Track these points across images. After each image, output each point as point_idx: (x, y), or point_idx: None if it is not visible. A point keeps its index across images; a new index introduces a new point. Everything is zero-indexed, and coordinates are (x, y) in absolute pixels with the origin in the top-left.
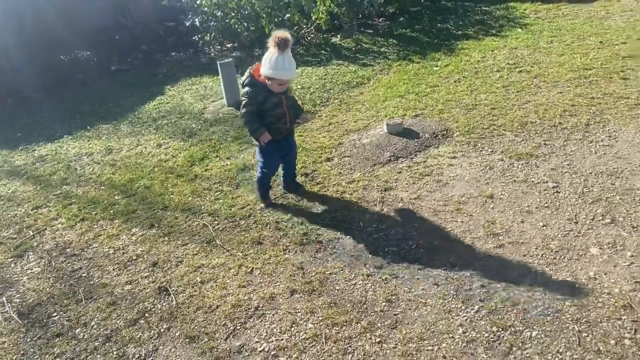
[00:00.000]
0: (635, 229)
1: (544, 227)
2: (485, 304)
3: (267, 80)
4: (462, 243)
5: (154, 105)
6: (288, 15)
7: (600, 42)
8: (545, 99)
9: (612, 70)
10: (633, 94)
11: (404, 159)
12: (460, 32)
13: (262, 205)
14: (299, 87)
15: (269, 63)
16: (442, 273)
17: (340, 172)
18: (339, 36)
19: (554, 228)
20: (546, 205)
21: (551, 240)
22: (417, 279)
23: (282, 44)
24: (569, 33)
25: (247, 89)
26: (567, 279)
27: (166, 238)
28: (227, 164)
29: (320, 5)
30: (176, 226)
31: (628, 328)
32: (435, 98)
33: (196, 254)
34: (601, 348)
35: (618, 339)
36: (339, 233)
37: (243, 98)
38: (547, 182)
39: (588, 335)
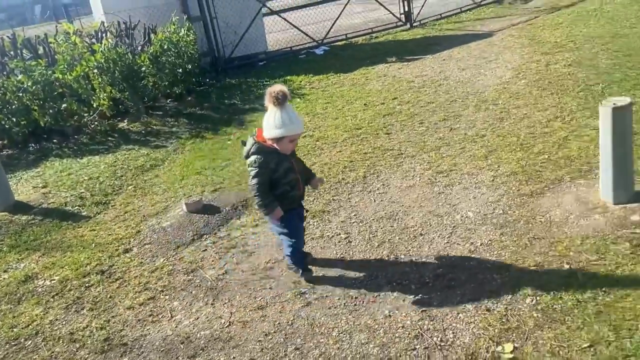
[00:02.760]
0: (414, 263)
1: (342, 277)
2: None
3: (274, 144)
4: (274, 308)
5: None
6: (65, 105)
7: (365, 104)
8: (328, 159)
9: (377, 127)
10: (396, 145)
11: (207, 236)
12: (247, 106)
13: (304, 278)
14: (87, 178)
15: (275, 122)
16: (258, 346)
17: (141, 262)
18: (125, 121)
19: (350, 276)
20: (342, 256)
21: (349, 290)
22: (233, 358)
23: (281, 99)
24: (339, 99)
25: (255, 157)
26: (368, 322)
27: None
28: (3, 278)
29: (101, 92)
30: None
31: (422, 356)
32: (232, 171)
33: None
34: None
35: None
36: (145, 329)
37: (252, 168)
38: (340, 234)
39: None
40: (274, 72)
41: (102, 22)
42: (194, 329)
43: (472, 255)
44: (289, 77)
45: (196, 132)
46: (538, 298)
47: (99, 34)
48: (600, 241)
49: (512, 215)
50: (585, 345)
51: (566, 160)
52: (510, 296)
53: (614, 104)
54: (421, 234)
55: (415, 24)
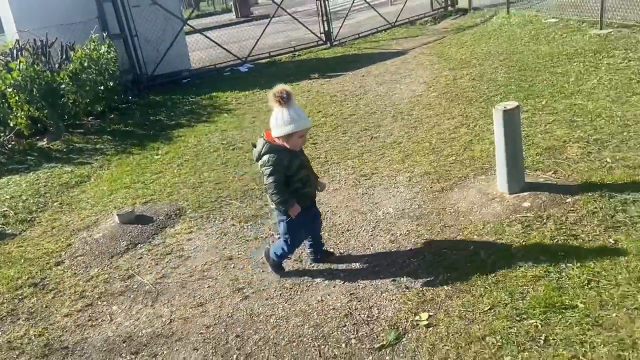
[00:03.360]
0: (342, 255)
1: (283, 277)
2: (242, 351)
3: (285, 142)
4: (213, 304)
5: None
6: None
7: None
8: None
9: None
10: (322, 154)
11: (142, 244)
12: (173, 122)
13: (278, 276)
14: (8, 197)
15: (283, 120)
16: (200, 337)
17: (75, 273)
18: (45, 139)
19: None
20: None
21: (285, 280)
22: (176, 350)
23: (286, 98)
24: (266, 113)
25: (268, 156)
26: (302, 307)
27: None
28: None
29: (18, 111)
30: None
31: (352, 331)
32: (162, 183)
33: None
34: (336, 352)
35: (346, 341)
36: (85, 333)
37: (266, 167)
38: (273, 235)
39: (325, 346)
40: (199, 89)
41: (17, 40)
42: (135, 328)
43: (393, 244)
44: (215, 94)
45: (122, 148)
46: (448, 274)
47: (14, 52)
48: (498, 225)
49: (426, 208)
50: (487, 308)
51: (471, 160)
52: (425, 275)
53: (505, 107)
54: (348, 230)
55: (335, 43)
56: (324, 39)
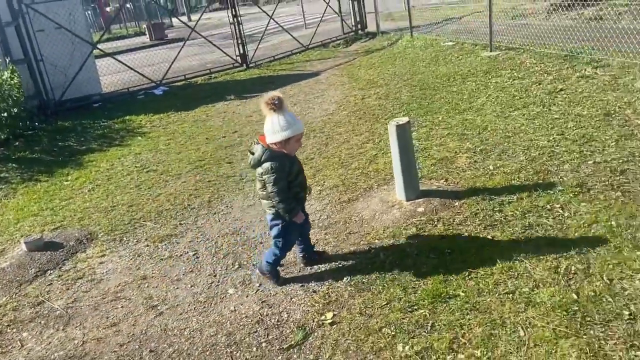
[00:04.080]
0: (255, 266)
1: (192, 287)
2: None
3: (282, 148)
4: (127, 323)
5: None
6: None
7: (207, 138)
8: (173, 189)
9: (220, 158)
10: (237, 172)
11: (52, 271)
12: (84, 147)
13: (277, 284)
14: None
15: (280, 125)
16: (113, 355)
17: None
18: None
19: (200, 285)
20: (191, 270)
21: (199, 294)
22: None
23: (279, 103)
24: (181, 135)
25: (270, 163)
26: (216, 318)
27: None
28: None
29: None
30: None
31: (263, 335)
32: (72, 209)
33: None
34: (247, 356)
35: (257, 345)
36: None
37: (269, 175)
38: (188, 252)
39: (237, 352)
40: (112, 113)
41: None
42: (47, 352)
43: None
44: (128, 117)
45: (29, 176)
46: (352, 276)
47: None
48: (396, 229)
49: (334, 218)
50: (384, 303)
51: (375, 172)
52: (331, 279)
53: (397, 122)
54: (261, 243)
55: (251, 65)
56: (240, 62)
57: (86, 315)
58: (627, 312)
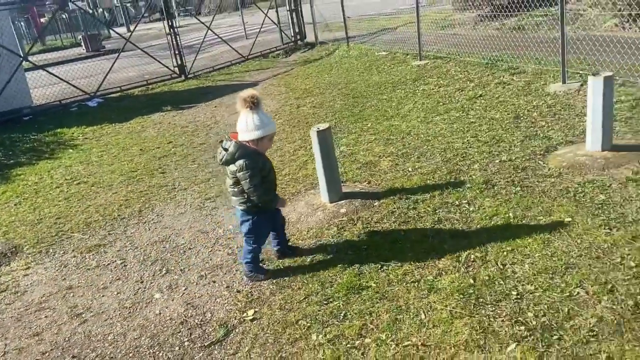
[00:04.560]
0: (183, 271)
1: (119, 294)
2: None
3: (255, 145)
4: (50, 332)
5: None
6: None
7: (141, 149)
8: (104, 200)
9: (153, 168)
10: (170, 182)
11: None
12: (12, 161)
13: (262, 278)
14: None
15: (254, 124)
16: None
17: None
18: None
19: (127, 292)
20: (118, 278)
21: (125, 300)
22: None
23: (256, 102)
24: (115, 147)
25: (243, 160)
26: (141, 322)
27: None
28: None
29: None
30: None
31: (186, 335)
32: None
33: None
34: (170, 355)
35: (179, 345)
36: None
37: (245, 172)
38: (116, 261)
39: (160, 352)
40: (43, 125)
41: None
42: None
43: (230, 256)
44: (59, 130)
45: None
46: (274, 275)
47: None
48: (319, 229)
49: None
50: (302, 298)
51: (304, 177)
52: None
53: (318, 128)
54: (190, 248)
55: (189, 76)
56: (178, 72)
57: (8, 326)
58: (515, 293)
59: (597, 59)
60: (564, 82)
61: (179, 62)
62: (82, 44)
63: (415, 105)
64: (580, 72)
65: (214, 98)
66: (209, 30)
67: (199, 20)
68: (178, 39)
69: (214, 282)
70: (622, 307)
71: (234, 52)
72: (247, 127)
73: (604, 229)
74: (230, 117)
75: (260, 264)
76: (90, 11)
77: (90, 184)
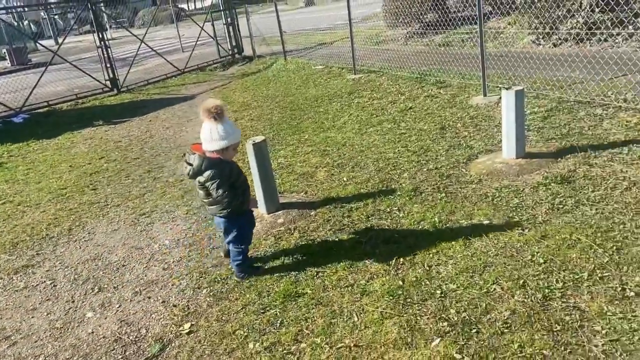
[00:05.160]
0: (116, 289)
1: (49, 315)
2: None
3: (220, 155)
4: None
5: None
6: None
7: (70, 166)
8: (31, 220)
9: (84, 185)
10: (102, 198)
11: None
12: None
13: (257, 274)
14: None
15: (218, 134)
16: None
17: None
18: None
19: (57, 312)
20: (48, 299)
21: (56, 321)
22: None
23: (220, 113)
24: (42, 164)
25: (210, 171)
26: (73, 342)
27: None
28: None
29: None
30: None
31: (120, 352)
32: None
33: None
34: None
35: None
36: None
37: (212, 182)
38: (45, 281)
39: None
40: None
41: None
42: None
43: (166, 271)
44: None
45: None
46: (212, 287)
47: None
48: (256, 240)
49: (199, 235)
50: (240, 308)
51: None
52: (191, 292)
53: (254, 140)
54: (123, 265)
55: (123, 90)
56: (110, 86)
57: None
58: (439, 292)
59: (515, 73)
60: (485, 95)
61: (111, 76)
62: (7, 57)
63: (350, 117)
64: (500, 85)
65: (149, 112)
66: (141, 43)
67: (130, 32)
68: (109, 51)
69: (149, 298)
70: (532, 301)
71: (169, 65)
72: (211, 137)
73: (518, 229)
74: (165, 131)
75: (253, 264)
76: (16, 24)
77: (16, 203)
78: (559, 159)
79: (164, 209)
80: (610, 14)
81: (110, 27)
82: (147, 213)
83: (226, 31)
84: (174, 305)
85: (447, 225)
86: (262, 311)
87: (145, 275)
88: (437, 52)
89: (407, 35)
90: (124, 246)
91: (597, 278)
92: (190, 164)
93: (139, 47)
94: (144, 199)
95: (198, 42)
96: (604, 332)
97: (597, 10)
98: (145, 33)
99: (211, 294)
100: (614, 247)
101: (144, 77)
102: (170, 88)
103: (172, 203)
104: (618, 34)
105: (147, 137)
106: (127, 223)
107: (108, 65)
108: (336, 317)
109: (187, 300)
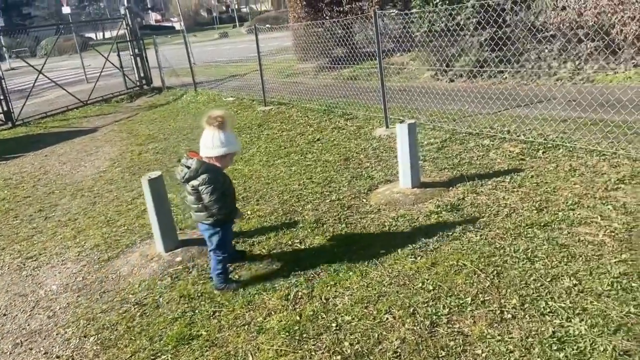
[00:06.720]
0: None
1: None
2: None
3: (217, 162)
4: None
5: None
6: None
7: None
8: None
9: None
10: None
11: None
12: None
13: (235, 287)
14: None
15: (220, 142)
16: None
17: None
18: None
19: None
20: None
21: None
22: None
23: (224, 123)
24: None
25: (206, 175)
26: None
27: None
28: None
29: None
30: None
31: None
32: None
33: None
34: None
35: None
36: None
37: (207, 186)
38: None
39: None
40: None
41: None
42: None
43: (51, 319)
44: None
45: None
46: (99, 335)
47: None
48: (152, 281)
49: (90, 279)
50: (129, 356)
51: (140, 227)
52: (77, 341)
53: (150, 176)
54: (4, 315)
55: (18, 123)
56: (4, 119)
57: None
58: (334, 325)
59: (415, 106)
60: (387, 126)
61: (5, 109)
62: None
63: (259, 149)
64: (400, 118)
65: (45, 146)
66: (39, 74)
67: (27, 63)
68: (3, 82)
69: (31, 349)
70: (420, 328)
71: (71, 97)
72: (212, 143)
73: (410, 257)
74: (61, 167)
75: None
76: None
77: None
78: (451, 187)
79: (53, 251)
80: (499, 52)
81: (10, 56)
82: (34, 256)
83: (133, 62)
84: (57, 357)
85: (346, 256)
86: (152, 357)
87: (28, 325)
88: (345, 85)
89: (317, 69)
90: (6, 293)
91: (479, 302)
92: (188, 167)
93: (37, 78)
94: (32, 240)
95: (104, 73)
96: (484, 355)
97: (487, 48)
98: (44, 63)
99: (98, 342)
100: (495, 272)
101: (43, 110)
102: (71, 121)
103: (63, 244)
104: (504, 71)
105: (41, 174)
106: (11, 268)
107: (1, 97)
108: (230, 358)
109: (71, 350)
